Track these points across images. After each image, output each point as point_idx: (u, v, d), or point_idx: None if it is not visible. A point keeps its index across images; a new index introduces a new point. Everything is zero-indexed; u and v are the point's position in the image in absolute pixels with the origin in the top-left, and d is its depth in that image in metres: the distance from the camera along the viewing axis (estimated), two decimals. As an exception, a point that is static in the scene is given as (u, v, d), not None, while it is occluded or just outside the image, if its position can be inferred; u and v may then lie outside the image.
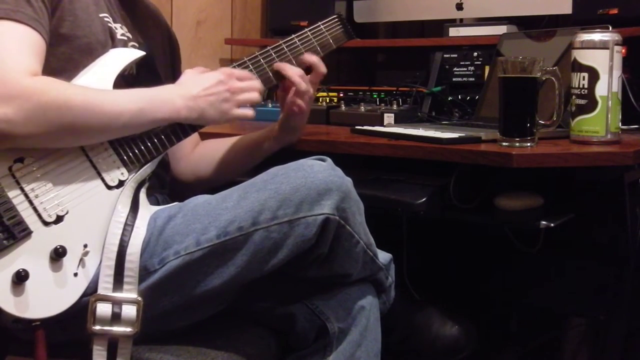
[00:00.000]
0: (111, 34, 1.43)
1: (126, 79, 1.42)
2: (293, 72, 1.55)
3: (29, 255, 1.21)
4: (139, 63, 1.46)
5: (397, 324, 1.53)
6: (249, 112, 1.47)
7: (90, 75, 1.37)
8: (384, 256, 1.45)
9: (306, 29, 1.62)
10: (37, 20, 1.29)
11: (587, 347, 2.05)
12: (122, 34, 1.47)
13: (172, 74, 1.64)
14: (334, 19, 1.66)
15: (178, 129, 1.41)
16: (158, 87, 1.39)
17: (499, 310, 1.97)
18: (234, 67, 1.52)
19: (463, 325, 1.59)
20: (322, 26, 1.64)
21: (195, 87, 1.40)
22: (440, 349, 1.57)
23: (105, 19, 1.43)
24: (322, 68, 1.59)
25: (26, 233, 1.21)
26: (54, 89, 1.24)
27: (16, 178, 1.23)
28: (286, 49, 1.57)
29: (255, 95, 1.48)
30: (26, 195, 1.23)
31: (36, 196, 1.24)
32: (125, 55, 1.43)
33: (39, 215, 1.23)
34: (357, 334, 1.38)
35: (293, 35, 1.60)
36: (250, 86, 1.48)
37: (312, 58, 1.58)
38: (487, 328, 1.74)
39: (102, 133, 1.30)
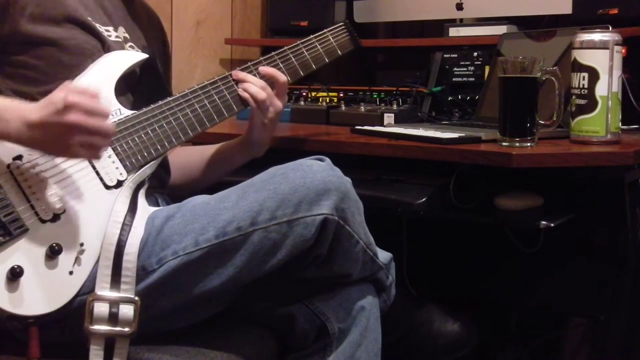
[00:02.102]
0: (98, 35, 1.42)
1: (128, 82, 1.42)
2: (252, 81, 1.50)
3: (25, 252, 1.21)
4: (142, 65, 1.46)
5: (399, 321, 1.53)
6: (90, 154, 1.24)
7: (89, 79, 1.37)
8: (384, 255, 1.45)
9: (312, 36, 1.62)
10: None
11: (587, 347, 2.05)
12: (117, 36, 1.47)
13: (165, 74, 1.63)
14: (340, 26, 1.66)
15: (178, 130, 1.40)
16: (13, 102, 1.24)
17: (499, 310, 1.97)
18: (239, 70, 1.51)
19: (464, 322, 1.59)
20: (328, 33, 1.64)
21: (33, 114, 1.19)
22: (441, 346, 1.57)
23: (91, 20, 1.42)
24: (281, 78, 1.53)
25: (22, 230, 1.22)
26: None
27: (14, 175, 1.24)
28: (291, 55, 1.57)
29: (99, 140, 1.21)
30: (24, 193, 1.24)
31: (33, 193, 1.24)
32: (126, 59, 1.43)
33: (36, 213, 1.24)
34: (357, 334, 1.38)
35: (298, 42, 1.60)
36: (97, 127, 1.20)
37: (267, 70, 1.53)
38: (487, 328, 1.74)
39: None
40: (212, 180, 1.65)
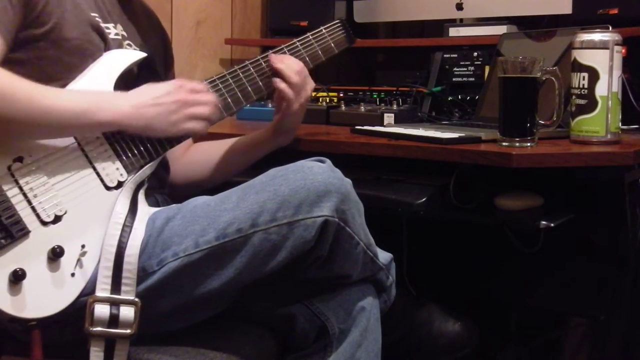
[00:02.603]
0: (102, 34, 1.42)
1: (126, 81, 1.41)
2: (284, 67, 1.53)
3: (27, 254, 1.21)
4: (140, 64, 1.46)
5: (399, 322, 1.53)
6: (198, 127, 1.40)
7: (89, 78, 1.37)
8: (384, 256, 1.45)
9: (308, 34, 1.62)
10: None
11: (587, 347, 2.05)
12: (116, 33, 1.47)
13: (165, 75, 1.63)
14: (336, 23, 1.66)
15: None
16: (110, 91, 1.37)
17: (499, 310, 1.97)
18: (235, 70, 1.50)
19: (465, 322, 1.59)
20: (324, 30, 1.64)
21: (144, 96, 1.36)
22: (442, 346, 1.57)
23: (97, 18, 1.42)
24: (298, 65, 1.55)
25: (24, 232, 1.21)
26: None
27: (15, 177, 1.24)
28: (288, 53, 1.57)
29: (205, 110, 1.41)
30: (25, 195, 1.23)
31: (35, 196, 1.24)
32: (125, 57, 1.43)
33: (37, 215, 1.24)
34: (357, 335, 1.38)
35: (295, 40, 1.60)
36: (202, 100, 1.41)
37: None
38: (487, 328, 1.74)
39: (41, 129, 1.27)
40: (236, 172, 1.65)
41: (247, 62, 1.53)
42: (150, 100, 1.35)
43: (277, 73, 1.54)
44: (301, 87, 1.55)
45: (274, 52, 1.56)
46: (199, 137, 1.54)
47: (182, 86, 1.39)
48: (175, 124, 1.37)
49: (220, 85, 1.48)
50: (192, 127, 1.39)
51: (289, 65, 1.54)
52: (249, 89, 1.51)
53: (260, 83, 1.52)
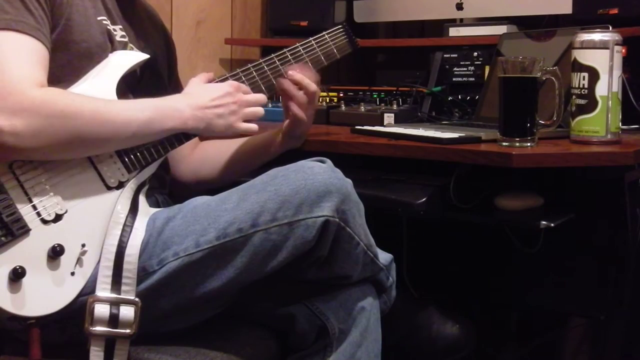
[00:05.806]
0: (110, 37, 1.42)
1: (128, 83, 1.42)
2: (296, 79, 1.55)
3: (27, 252, 1.21)
4: (142, 66, 1.46)
5: (398, 323, 1.53)
6: (254, 126, 1.47)
7: (92, 80, 1.37)
8: (384, 256, 1.45)
9: (311, 38, 1.62)
10: (39, 30, 1.28)
11: (587, 347, 2.05)
12: (122, 36, 1.47)
13: (169, 76, 1.64)
14: (338, 29, 1.66)
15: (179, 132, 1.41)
16: (166, 97, 1.39)
17: (499, 310, 1.97)
18: (237, 73, 1.51)
19: (463, 325, 1.59)
20: (326, 36, 1.64)
21: (203, 98, 1.40)
22: (440, 348, 1.57)
23: (104, 22, 1.42)
24: (311, 87, 1.56)
25: (24, 230, 1.22)
26: (62, 100, 1.24)
27: (16, 175, 1.24)
28: (290, 58, 1.57)
29: (260, 110, 1.48)
30: (26, 193, 1.24)
31: (36, 194, 1.24)
32: (128, 59, 1.43)
33: (38, 213, 1.24)
34: (358, 335, 1.38)
35: (297, 44, 1.60)
36: (256, 100, 1.48)
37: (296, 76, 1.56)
38: (487, 328, 1.74)
39: (111, 143, 1.30)
40: (246, 172, 1.64)
41: (249, 65, 1.53)
42: (209, 102, 1.39)
43: (285, 92, 1.54)
44: (310, 101, 1.56)
45: (276, 56, 1.56)
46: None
47: (239, 87, 1.45)
48: (233, 124, 1.43)
49: None
50: (247, 127, 1.45)
51: (299, 81, 1.55)
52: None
53: (263, 87, 1.53)
